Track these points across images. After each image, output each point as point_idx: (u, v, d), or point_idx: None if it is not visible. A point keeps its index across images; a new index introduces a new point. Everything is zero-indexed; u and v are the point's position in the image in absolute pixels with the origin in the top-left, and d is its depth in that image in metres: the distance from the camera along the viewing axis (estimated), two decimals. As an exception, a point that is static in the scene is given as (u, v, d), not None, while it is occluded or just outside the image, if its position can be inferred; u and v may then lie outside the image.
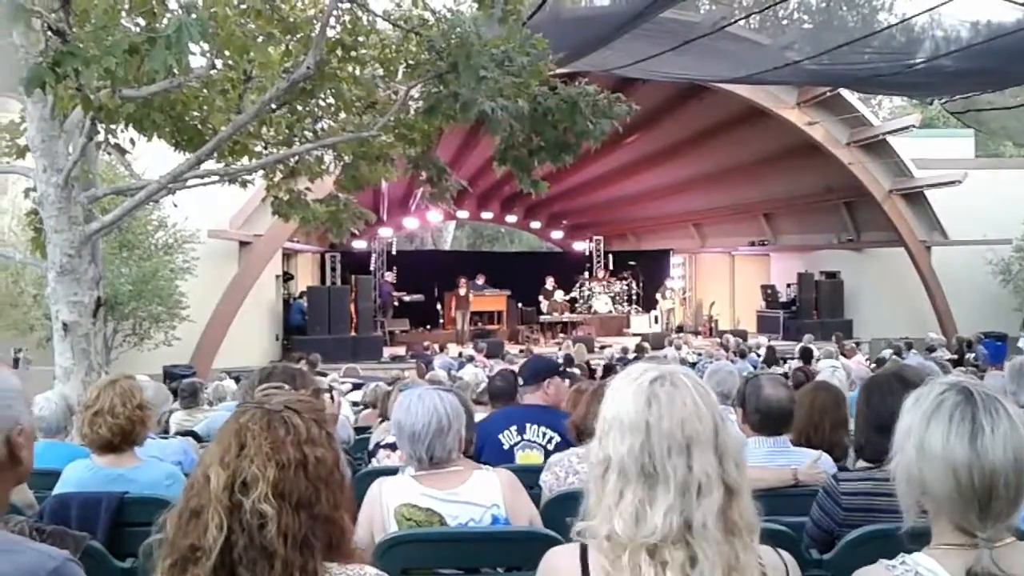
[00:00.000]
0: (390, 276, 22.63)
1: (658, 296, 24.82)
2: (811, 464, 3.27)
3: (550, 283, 23.91)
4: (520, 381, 4.82)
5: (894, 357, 11.55)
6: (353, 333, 19.31)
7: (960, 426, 1.53)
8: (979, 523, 1.52)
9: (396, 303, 22.67)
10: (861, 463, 2.99)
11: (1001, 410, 1.55)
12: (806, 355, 11.47)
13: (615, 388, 1.59)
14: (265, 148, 7.57)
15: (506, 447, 4.29)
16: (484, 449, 4.23)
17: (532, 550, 1.83)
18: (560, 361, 11.13)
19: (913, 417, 1.61)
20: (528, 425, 4.33)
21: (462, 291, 22.31)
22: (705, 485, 1.46)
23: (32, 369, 11.22)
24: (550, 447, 4.22)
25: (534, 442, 4.30)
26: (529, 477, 3.48)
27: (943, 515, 1.57)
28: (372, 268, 22.48)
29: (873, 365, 11.28)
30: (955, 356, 13.55)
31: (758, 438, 3.34)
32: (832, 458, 3.46)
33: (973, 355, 14.23)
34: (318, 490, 1.50)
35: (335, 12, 6.48)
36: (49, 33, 4.92)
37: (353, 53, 6.96)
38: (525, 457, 4.25)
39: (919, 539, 1.61)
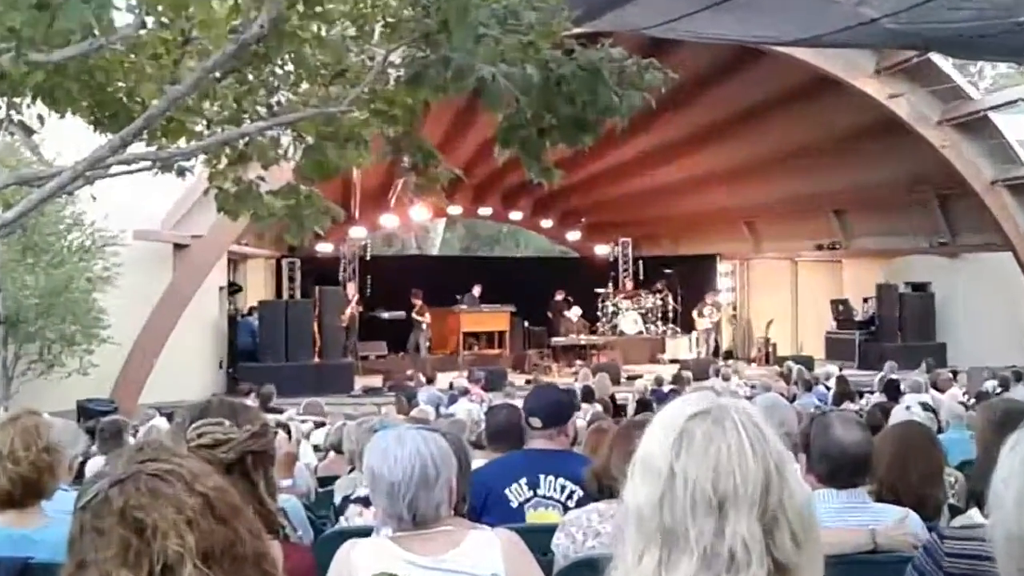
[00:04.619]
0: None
1: (694, 314, 24.75)
2: (895, 524, 3.27)
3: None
4: (534, 422, 4.51)
5: (999, 390, 11.51)
6: (317, 359, 19.39)
7: None
8: None
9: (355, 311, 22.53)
10: (974, 515, 2.98)
11: None
12: (891, 389, 11.33)
13: (652, 423, 1.55)
14: (207, 127, 7.59)
15: (515, 505, 4.25)
16: (486, 507, 4.19)
17: (542, 631, 1.83)
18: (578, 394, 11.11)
19: (1012, 464, 1.61)
20: (542, 477, 4.26)
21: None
22: (741, 557, 1.40)
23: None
24: (571, 504, 4.13)
25: (551, 498, 4.25)
26: (543, 539, 3.47)
27: None
28: (341, 278, 22.47)
29: (972, 400, 11.24)
30: (1078, 389, 13.49)
31: (827, 491, 3.34)
32: (922, 516, 3.46)
33: (1101, 388, 14.18)
34: (235, 527, 1.52)
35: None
36: (-62, -17, 4.95)
37: (318, 8, 6.98)
38: (539, 516, 4.19)
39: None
